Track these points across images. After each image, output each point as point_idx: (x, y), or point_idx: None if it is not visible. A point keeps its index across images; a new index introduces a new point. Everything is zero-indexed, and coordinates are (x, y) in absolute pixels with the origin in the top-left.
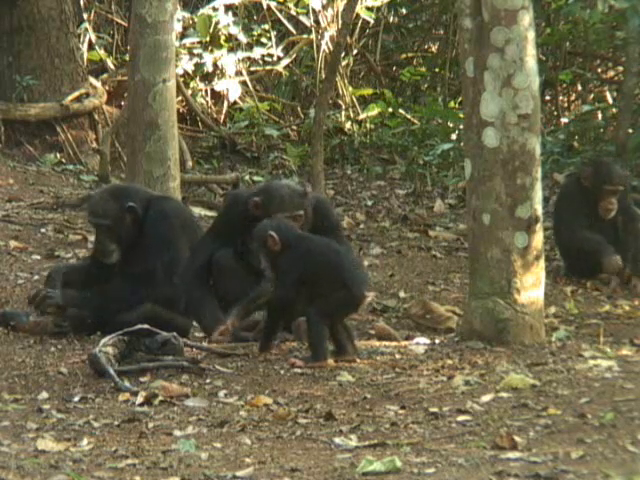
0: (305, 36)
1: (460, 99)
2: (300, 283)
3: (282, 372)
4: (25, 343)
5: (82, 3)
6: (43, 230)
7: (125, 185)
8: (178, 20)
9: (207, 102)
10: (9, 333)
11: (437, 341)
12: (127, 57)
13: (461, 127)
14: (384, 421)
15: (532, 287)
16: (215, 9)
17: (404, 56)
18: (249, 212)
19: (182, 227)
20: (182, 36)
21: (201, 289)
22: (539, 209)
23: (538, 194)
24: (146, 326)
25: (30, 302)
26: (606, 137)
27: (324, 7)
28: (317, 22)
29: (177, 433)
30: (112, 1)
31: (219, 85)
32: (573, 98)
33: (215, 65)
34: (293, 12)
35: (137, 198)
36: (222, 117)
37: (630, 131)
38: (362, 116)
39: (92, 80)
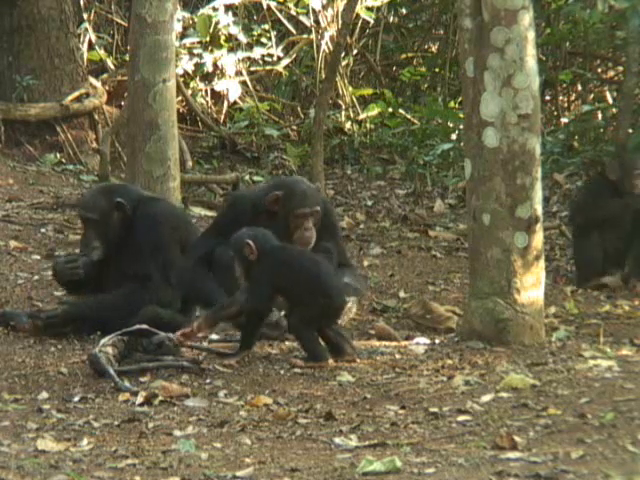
0: (305, 36)
1: (460, 99)
2: (276, 293)
3: (282, 372)
4: (25, 343)
5: (82, 3)
6: (43, 230)
7: (117, 184)
8: (178, 20)
9: (207, 102)
10: (9, 333)
11: (437, 341)
12: (127, 57)
13: (461, 127)
14: (384, 421)
15: (532, 287)
16: (215, 9)
17: (404, 56)
18: (254, 210)
19: (172, 229)
20: (182, 36)
21: (204, 279)
22: (539, 209)
23: (538, 194)
24: (144, 326)
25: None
26: (606, 137)
27: (324, 7)
28: (317, 22)
29: (177, 433)
30: (112, 1)
31: (219, 85)
32: (573, 98)
33: (215, 65)
34: (293, 12)
35: (127, 197)
36: (222, 117)
37: (630, 131)
38: (362, 116)
39: (92, 80)
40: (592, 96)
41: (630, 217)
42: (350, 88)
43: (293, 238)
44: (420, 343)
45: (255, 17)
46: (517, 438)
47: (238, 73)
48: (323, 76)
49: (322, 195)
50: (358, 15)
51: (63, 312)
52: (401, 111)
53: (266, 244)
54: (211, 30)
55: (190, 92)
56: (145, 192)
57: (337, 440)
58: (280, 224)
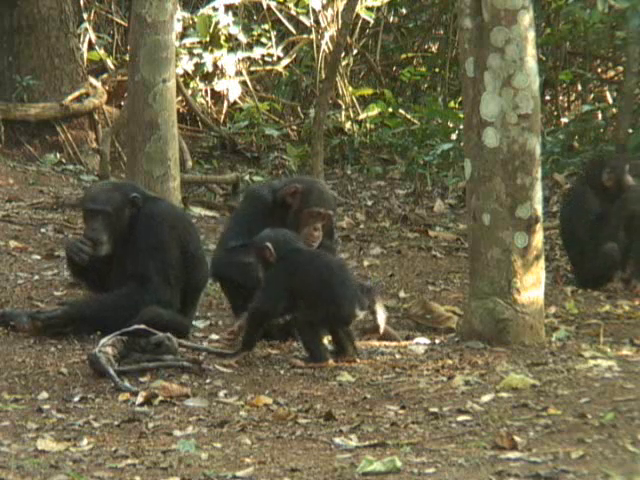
0: (305, 36)
1: (460, 99)
2: (289, 297)
3: (282, 372)
4: (25, 343)
5: (82, 3)
6: (43, 230)
7: (125, 181)
8: (178, 20)
9: (207, 102)
10: (9, 333)
11: (437, 341)
12: (127, 57)
13: (461, 127)
14: (384, 421)
15: (532, 287)
16: (215, 9)
17: (404, 56)
18: (272, 203)
19: (172, 228)
20: (182, 36)
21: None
22: (539, 209)
23: (538, 194)
24: (143, 326)
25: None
26: (606, 137)
27: (324, 7)
28: (317, 22)
29: (177, 433)
30: (112, 1)
31: (219, 85)
32: (573, 98)
33: (215, 65)
34: (293, 12)
35: (138, 194)
36: (222, 117)
37: (630, 131)
38: (362, 116)
39: (92, 80)
40: (592, 96)
41: (626, 219)
42: (350, 88)
43: (300, 234)
44: (420, 343)
45: (255, 17)
46: (517, 438)
47: (238, 73)
48: (323, 76)
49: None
50: (358, 15)
51: (63, 312)
52: (401, 111)
53: (286, 247)
54: (211, 30)
55: (190, 92)
56: (148, 192)
57: (337, 440)
58: (291, 218)
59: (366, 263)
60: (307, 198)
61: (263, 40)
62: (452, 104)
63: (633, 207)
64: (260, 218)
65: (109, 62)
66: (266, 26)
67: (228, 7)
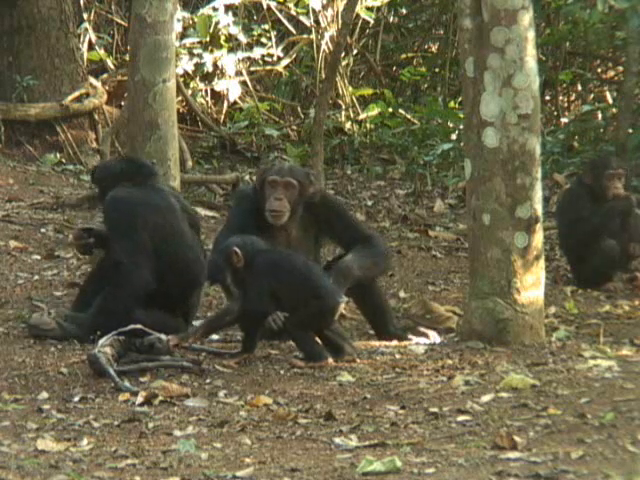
0: (305, 36)
1: (460, 99)
2: (271, 296)
3: (282, 372)
4: (25, 343)
5: (82, 3)
6: (43, 230)
7: (136, 157)
8: (178, 20)
9: (207, 102)
10: (9, 333)
11: (437, 341)
12: (127, 57)
13: (461, 127)
14: (384, 421)
15: (532, 287)
16: (215, 9)
17: (404, 56)
18: (258, 201)
19: (133, 215)
20: (182, 36)
21: None
22: (539, 209)
23: (538, 194)
24: (139, 326)
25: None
26: (606, 137)
27: (324, 7)
28: (317, 22)
29: (177, 433)
30: (112, 1)
31: (219, 85)
32: (573, 98)
33: (215, 65)
34: (293, 12)
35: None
36: (222, 117)
37: (630, 131)
38: (362, 116)
39: (92, 80)
40: (592, 96)
41: (619, 219)
42: (350, 88)
43: (265, 209)
44: (420, 343)
45: (255, 17)
46: (517, 438)
47: (238, 73)
48: (323, 76)
49: (327, 193)
50: (358, 15)
51: (59, 331)
52: (401, 111)
53: (254, 249)
54: (211, 30)
55: (190, 92)
56: (145, 177)
57: (337, 440)
58: (261, 203)
59: None
60: (264, 173)
61: (263, 40)
62: (452, 104)
63: (620, 217)
64: (249, 217)
65: (109, 62)
66: (266, 26)
67: (228, 7)
